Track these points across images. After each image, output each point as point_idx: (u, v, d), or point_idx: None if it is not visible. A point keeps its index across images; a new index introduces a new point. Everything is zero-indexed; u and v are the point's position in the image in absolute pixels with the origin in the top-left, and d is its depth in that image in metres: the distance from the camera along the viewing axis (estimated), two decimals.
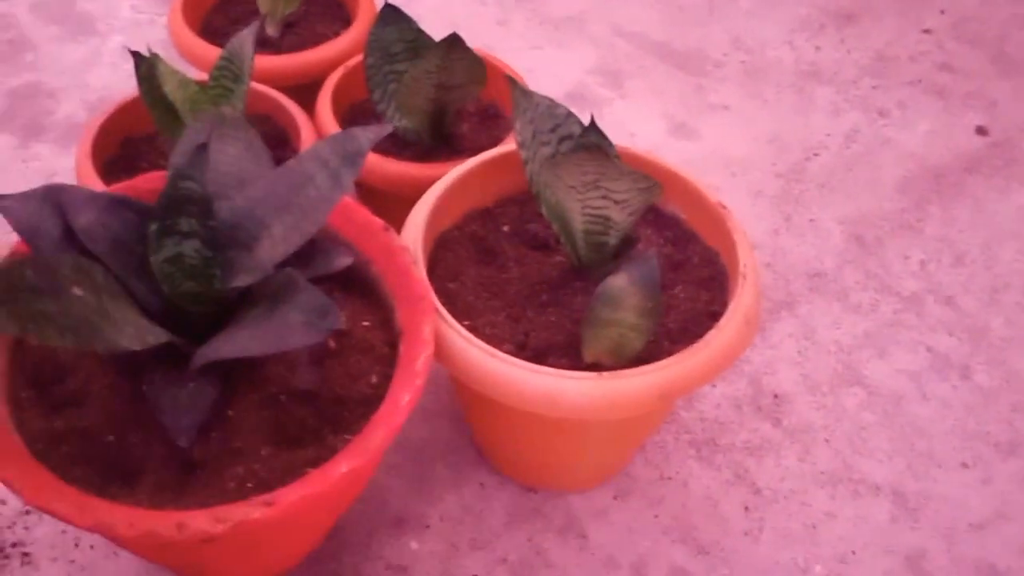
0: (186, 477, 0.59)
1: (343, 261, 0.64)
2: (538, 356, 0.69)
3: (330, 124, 0.91)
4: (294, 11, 1.04)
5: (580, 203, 0.67)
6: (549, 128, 0.71)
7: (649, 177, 0.65)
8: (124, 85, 1.20)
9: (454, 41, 0.78)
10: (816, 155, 1.18)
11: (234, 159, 0.68)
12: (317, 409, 0.63)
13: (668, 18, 1.40)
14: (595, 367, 0.68)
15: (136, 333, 0.56)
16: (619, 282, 0.65)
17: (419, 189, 0.85)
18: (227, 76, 0.84)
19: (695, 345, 0.66)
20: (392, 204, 0.89)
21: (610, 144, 0.69)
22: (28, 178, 1.07)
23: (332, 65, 0.97)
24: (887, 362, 0.96)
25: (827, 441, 0.89)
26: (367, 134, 0.63)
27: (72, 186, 0.62)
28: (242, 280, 0.59)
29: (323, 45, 0.99)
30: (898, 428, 0.90)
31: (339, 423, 0.63)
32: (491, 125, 0.97)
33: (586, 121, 0.71)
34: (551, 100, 0.71)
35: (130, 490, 0.58)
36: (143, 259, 0.62)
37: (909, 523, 0.83)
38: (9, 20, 1.30)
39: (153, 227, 0.61)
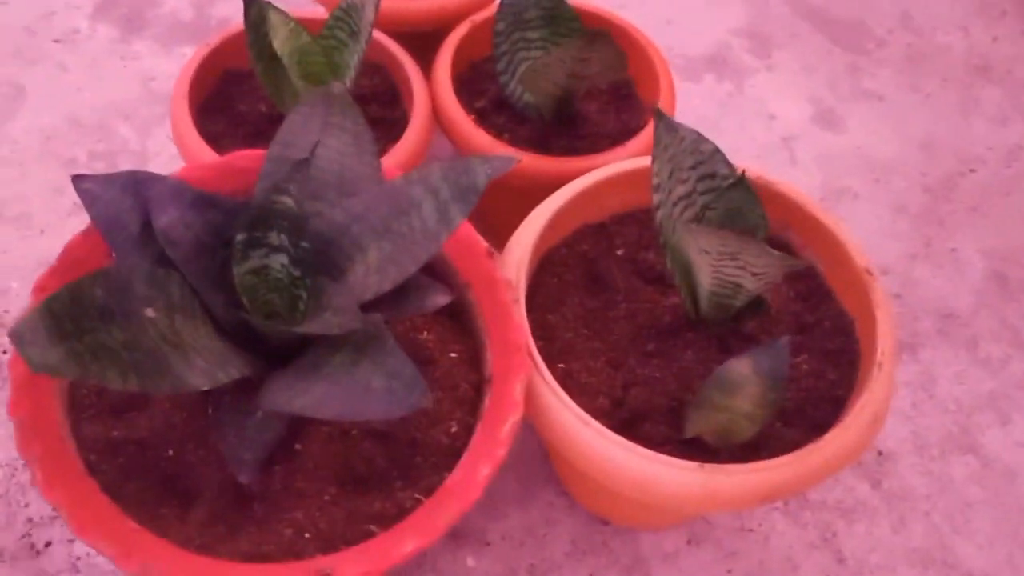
0: (242, 510, 0.56)
1: (439, 300, 0.58)
2: (634, 419, 0.63)
3: (446, 87, 0.83)
4: None
5: (712, 267, 0.59)
6: (690, 165, 0.63)
7: (794, 259, 0.56)
8: None
9: (597, 35, 0.69)
10: (972, 171, 1.06)
11: (337, 155, 0.61)
12: (389, 450, 0.59)
13: None
14: (695, 442, 0.62)
15: (206, 368, 0.51)
16: (742, 368, 0.57)
17: (529, 180, 0.78)
18: (342, 28, 0.76)
19: (812, 445, 0.59)
20: (497, 191, 0.82)
21: (756, 203, 0.60)
22: (125, 80, 1.02)
23: (457, 15, 0.88)
24: (1007, 431, 0.87)
25: (927, 514, 0.82)
26: (485, 167, 0.56)
27: (157, 177, 0.56)
28: (326, 323, 0.53)
29: None
30: (1005, 511, 0.82)
31: (409, 471, 0.58)
32: (621, 107, 0.87)
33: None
34: (698, 134, 0.62)
35: (183, 514, 0.55)
36: (224, 266, 0.56)
37: None
38: None
39: (240, 237, 0.55)
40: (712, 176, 0.63)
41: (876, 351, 0.63)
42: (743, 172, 0.60)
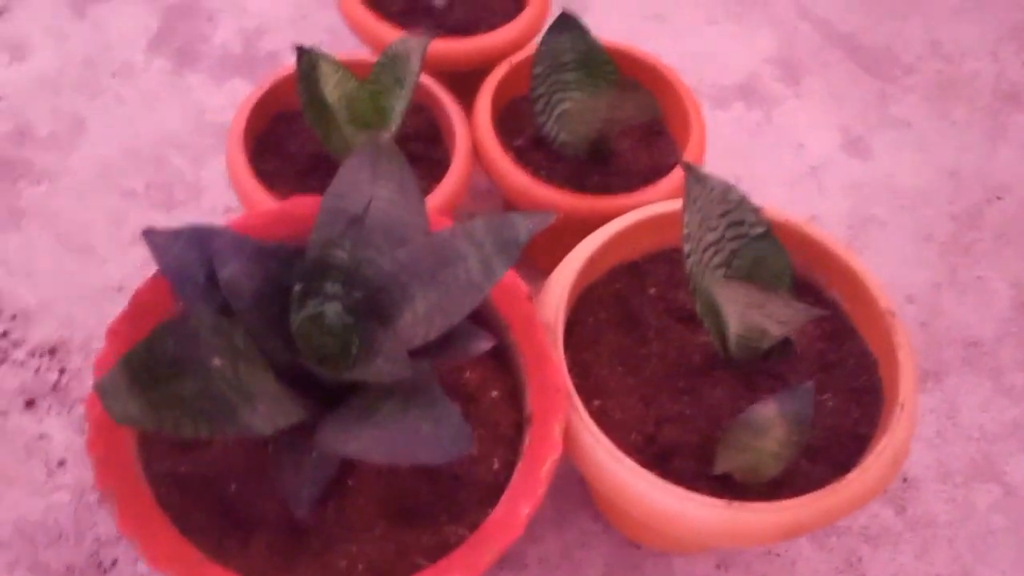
0: (299, 542, 0.60)
1: (483, 346, 0.61)
2: (666, 454, 0.66)
3: (486, 128, 0.86)
4: None
5: (739, 314, 0.63)
6: (719, 213, 0.66)
7: (816, 309, 0.59)
8: (280, 14, 1.17)
9: (630, 85, 0.73)
10: (999, 199, 1.08)
11: (386, 204, 0.65)
12: (434, 485, 0.63)
13: (862, 4, 1.28)
14: (724, 478, 0.65)
15: (268, 414, 0.55)
16: (767, 412, 0.61)
17: (565, 218, 0.82)
18: (388, 75, 0.80)
19: (833, 484, 0.62)
20: None
21: (782, 252, 0.64)
22: (179, 112, 1.07)
23: (497, 55, 0.92)
24: None
25: (950, 541, 0.84)
26: (527, 223, 0.59)
27: (220, 231, 0.61)
28: (378, 371, 0.57)
29: (489, 34, 0.93)
30: None
31: (454, 505, 0.62)
32: (652, 143, 0.91)
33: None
34: (726, 184, 0.66)
35: (244, 546, 0.59)
36: (281, 313, 0.60)
37: None
38: None
39: (298, 287, 0.59)
40: (740, 223, 0.67)
41: (899, 391, 0.66)
42: (768, 227, 0.63)
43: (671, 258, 0.77)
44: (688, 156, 0.86)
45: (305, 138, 0.87)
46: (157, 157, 1.02)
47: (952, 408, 0.92)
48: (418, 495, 0.62)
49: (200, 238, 0.61)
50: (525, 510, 0.58)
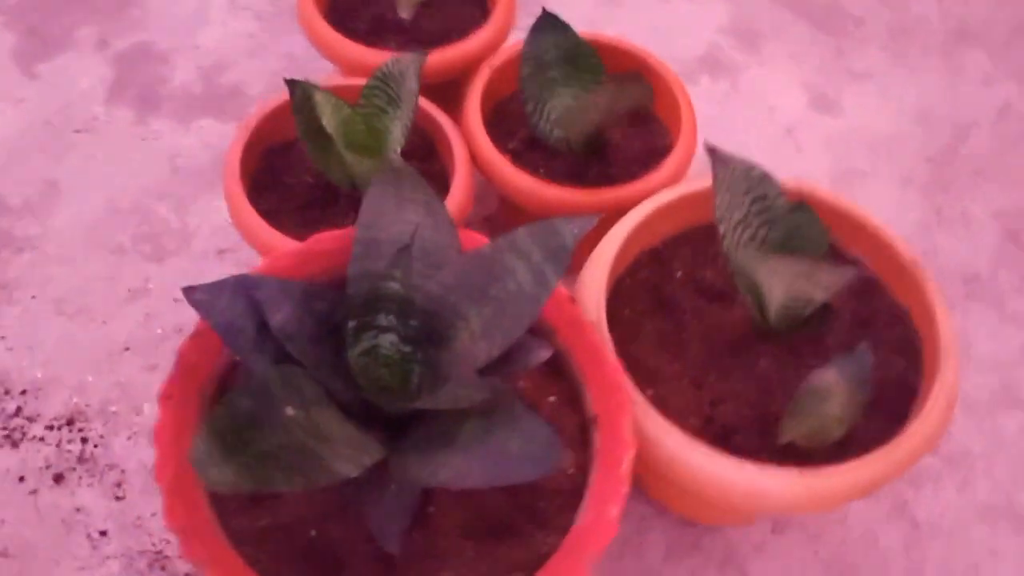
0: None
1: (542, 355, 0.61)
2: (727, 434, 0.67)
3: (480, 134, 0.86)
4: None
5: (786, 285, 0.64)
6: (743, 191, 0.67)
7: (861, 268, 0.61)
8: (235, 47, 1.15)
9: (630, 77, 0.73)
10: (967, 135, 1.11)
11: (416, 227, 0.65)
12: (514, 498, 0.62)
13: None
14: (788, 447, 0.66)
15: (351, 455, 0.54)
16: (829, 377, 0.62)
17: (571, 214, 0.82)
18: (379, 96, 0.79)
19: (898, 438, 0.64)
20: None
21: (816, 222, 0.65)
22: (151, 160, 1.04)
23: (471, 62, 0.92)
24: None
25: (986, 471, 0.87)
26: (570, 227, 0.59)
27: (262, 278, 0.60)
28: (453, 396, 0.56)
29: (461, 42, 0.92)
30: None
31: (537, 515, 0.62)
32: (643, 130, 0.91)
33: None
34: (748, 164, 0.66)
35: None
36: (336, 351, 0.60)
37: None
38: None
39: (351, 323, 0.59)
40: (764, 198, 0.68)
41: (939, 339, 0.68)
42: (802, 200, 0.64)
43: (691, 239, 0.78)
44: (683, 138, 0.87)
45: (299, 170, 0.85)
46: (138, 209, 1.00)
47: (965, 342, 0.95)
48: (500, 510, 0.62)
49: (244, 288, 0.60)
50: (614, 511, 0.58)
